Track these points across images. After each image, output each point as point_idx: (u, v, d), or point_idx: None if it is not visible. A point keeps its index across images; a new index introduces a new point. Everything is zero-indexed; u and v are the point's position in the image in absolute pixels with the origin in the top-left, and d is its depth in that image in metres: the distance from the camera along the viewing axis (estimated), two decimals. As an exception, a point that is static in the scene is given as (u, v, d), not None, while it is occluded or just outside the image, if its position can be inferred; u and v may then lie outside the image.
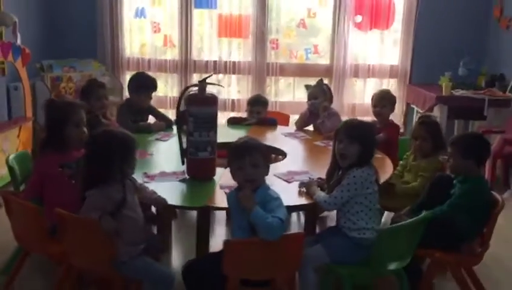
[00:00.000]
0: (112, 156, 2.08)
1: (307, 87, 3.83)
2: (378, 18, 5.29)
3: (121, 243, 2.07)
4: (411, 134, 3.11)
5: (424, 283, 2.48)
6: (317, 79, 3.89)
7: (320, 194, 2.33)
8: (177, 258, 3.14)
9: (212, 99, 2.57)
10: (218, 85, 2.83)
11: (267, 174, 2.18)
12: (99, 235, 2.01)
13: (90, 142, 2.20)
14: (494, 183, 4.20)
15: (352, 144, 2.28)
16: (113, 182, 2.09)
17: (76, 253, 2.17)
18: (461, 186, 2.51)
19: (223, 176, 2.59)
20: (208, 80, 2.60)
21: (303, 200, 2.40)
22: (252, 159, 2.09)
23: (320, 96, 3.68)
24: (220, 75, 5.41)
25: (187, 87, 2.66)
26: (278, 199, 2.08)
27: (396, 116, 5.38)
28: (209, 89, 2.62)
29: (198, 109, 2.52)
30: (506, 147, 4.25)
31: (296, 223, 3.63)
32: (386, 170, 2.87)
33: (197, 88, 2.58)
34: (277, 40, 5.36)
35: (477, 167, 2.55)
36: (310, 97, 3.75)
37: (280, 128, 3.85)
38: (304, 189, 2.45)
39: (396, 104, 3.73)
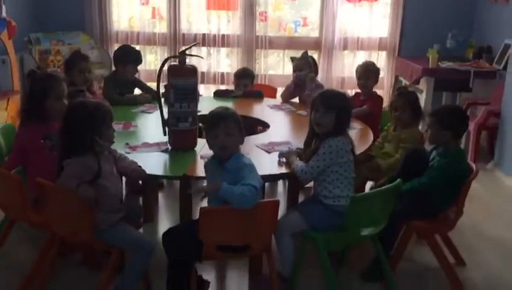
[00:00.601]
0: (82, 127, 2.11)
1: (292, 59, 3.86)
2: (368, -10, 5.27)
3: (99, 212, 2.12)
4: (390, 105, 3.15)
5: (398, 247, 2.55)
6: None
7: (298, 163, 2.38)
8: (162, 228, 3.19)
9: (192, 71, 2.60)
10: (197, 56, 2.84)
11: (241, 143, 2.21)
12: (78, 204, 2.05)
13: (65, 112, 2.22)
14: (478, 154, 4.26)
15: (327, 114, 2.32)
16: (89, 152, 2.13)
17: (58, 221, 2.23)
18: (440, 159, 2.55)
19: (204, 147, 2.63)
20: (191, 52, 2.62)
21: (282, 170, 2.45)
22: (226, 128, 2.13)
23: (305, 68, 3.70)
24: (211, 49, 5.39)
25: (167, 58, 2.68)
26: (250, 165, 2.12)
27: (385, 88, 5.43)
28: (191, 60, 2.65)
29: (178, 80, 2.55)
30: (490, 119, 4.29)
31: (282, 193, 3.69)
32: (367, 140, 2.92)
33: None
34: (266, 12, 5.33)
35: (454, 138, 2.59)
36: (295, 69, 3.77)
37: (266, 101, 3.89)
38: (283, 159, 2.50)
39: (383, 76, 3.78)
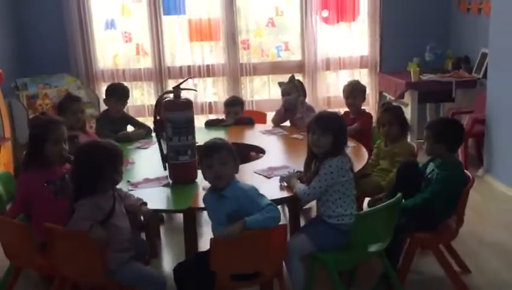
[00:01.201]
0: (102, 165, 2.15)
1: (280, 84, 3.93)
2: (344, 11, 5.41)
3: (109, 252, 2.13)
4: (377, 121, 3.25)
5: (405, 260, 2.59)
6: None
7: (300, 186, 2.43)
8: (167, 263, 3.20)
9: (188, 104, 2.65)
10: (192, 90, 2.90)
11: (236, 172, 2.26)
12: (89, 246, 2.06)
13: (77, 154, 2.24)
14: (467, 161, 4.36)
15: (324, 135, 2.39)
16: (102, 192, 2.15)
17: (68, 265, 2.23)
18: (440, 172, 2.60)
19: (204, 178, 2.67)
20: (182, 85, 2.68)
21: (284, 194, 2.49)
22: (220, 157, 2.19)
23: (294, 92, 3.78)
24: (196, 80, 5.47)
25: (162, 94, 2.72)
26: (252, 189, 2.19)
27: (370, 104, 5.54)
28: (184, 94, 2.70)
29: (175, 114, 2.60)
30: (476, 126, 4.40)
31: (282, 216, 3.71)
32: (361, 158, 2.98)
33: (172, 94, 2.66)
34: (248, 40, 5.44)
35: (448, 151, 2.65)
36: (284, 93, 3.85)
37: (258, 127, 3.94)
38: (284, 183, 2.54)
39: (368, 93, 3.89)
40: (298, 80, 3.97)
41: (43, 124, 2.55)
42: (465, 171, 2.64)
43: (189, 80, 5.33)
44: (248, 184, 2.25)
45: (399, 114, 3.22)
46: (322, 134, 2.39)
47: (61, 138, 2.55)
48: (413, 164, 2.83)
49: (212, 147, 2.22)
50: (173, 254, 3.31)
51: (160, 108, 2.83)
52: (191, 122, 2.65)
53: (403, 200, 2.46)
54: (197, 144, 2.75)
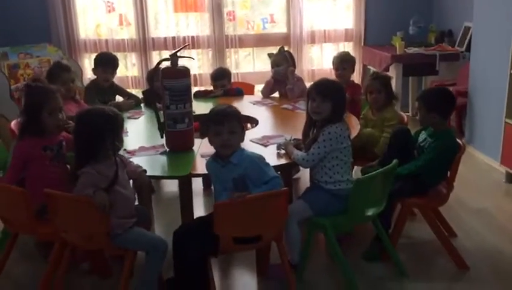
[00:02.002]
0: (103, 132, 2.15)
1: (270, 55, 3.94)
2: (330, -16, 5.41)
3: (115, 217, 2.15)
4: (365, 90, 3.30)
5: (397, 224, 2.68)
6: (275, 48, 4.02)
7: (298, 153, 2.47)
8: (159, 232, 3.22)
9: (185, 72, 2.65)
10: (189, 58, 2.89)
11: (242, 141, 2.30)
12: (93, 212, 2.07)
13: (78, 121, 2.23)
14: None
15: (324, 102, 2.42)
16: (104, 159, 2.15)
17: (71, 231, 2.24)
18: (433, 140, 2.67)
19: (202, 146, 2.69)
20: (178, 53, 2.67)
21: (282, 161, 2.53)
22: (230, 126, 2.21)
23: (283, 63, 3.80)
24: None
25: (160, 61, 2.71)
26: (259, 157, 2.24)
27: (354, 76, 5.58)
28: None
29: (172, 82, 2.59)
30: (458, 98, 4.49)
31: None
32: (353, 126, 3.03)
33: (168, 62, 2.65)
34: (233, 11, 5.40)
35: (442, 119, 2.72)
36: (273, 65, 3.86)
37: (247, 98, 3.96)
38: (282, 150, 2.58)
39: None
40: (288, 51, 3.99)
41: (40, 93, 2.51)
42: (457, 139, 2.72)
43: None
44: (255, 153, 2.28)
45: (387, 82, 3.29)
46: (322, 101, 2.42)
47: (57, 108, 2.53)
48: (406, 130, 2.89)
49: (223, 114, 2.22)
50: (165, 223, 3.33)
51: (155, 76, 2.82)
52: (188, 90, 2.66)
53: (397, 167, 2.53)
54: (194, 113, 2.77)
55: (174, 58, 2.62)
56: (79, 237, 2.24)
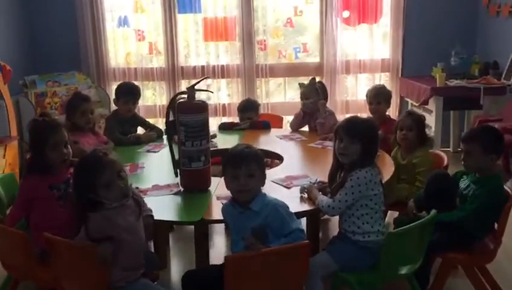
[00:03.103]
0: (79, 186, 2.02)
1: (301, 85, 3.73)
2: (365, 12, 5.18)
3: (119, 269, 1.95)
4: (396, 127, 3.04)
5: (437, 284, 2.37)
6: (308, 78, 3.80)
7: (323, 199, 2.22)
8: (176, 272, 3.02)
9: (203, 106, 2.46)
10: (208, 91, 2.71)
11: (263, 185, 2.08)
12: (93, 261, 1.88)
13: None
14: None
15: (353, 143, 2.18)
16: (111, 205, 1.97)
17: (69, 279, 2.05)
18: (478, 188, 2.39)
19: (219, 186, 2.47)
20: (197, 86, 2.49)
21: (305, 206, 2.29)
22: (248, 169, 2.00)
23: (312, 96, 3.56)
24: (209, 80, 5.28)
25: (176, 95, 2.54)
26: (283, 206, 2.01)
27: (390, 110, 5.30)
28: (199, 96, 2.52)
29: (188, 117, 2.41)
30: (505, 136, 4.14)
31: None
32: (387, 167, 2.76)
33: (186, 96, 2.47)
34: (265, 40, 5.24)
35: (496, 162, 2.44)
36: (302, 97, 3.64)
37: (274, 131, 3.74)
38: (305, 194, 2.34)
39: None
40: (320, 82, 3.76)
41: (41, 128, 2.38)
42: (505, 187, 2.41)
43: (202, 81, 5.21)
44: (278, 200, 2.05)
45: (420, 121, 3.02)
46: (350, 142, 2.18)
47: (60, 142, 2.37)
48: (445, 174, 2.61)
49: (241, 156, 2.02)
50: (183, 264, 3.14)
51: (173, 109, 2.64)
52: (205, 126, 2.46)
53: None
54: (215, 148, 2.57)
55: (191, 91, 2.44)
56: (77, 288, 2.04)
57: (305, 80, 3.80)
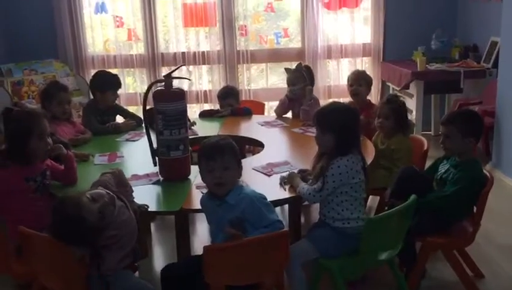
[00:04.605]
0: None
1: (287, 71, 3.68)
2: (346, -4, 5.16)
3: (115, 261, 1.92)
4: (376, 113, 3.04)
5: (418, 267, 2.39)
6: (290, 63, 3.75)
7: (304, 187, 2.21)
8: (158, 262, 3.01)
9: (180, 94, 2.42)
10: (185, 78, 2.67)
11: (239, 177, 2.05)
12: (69, 254, 1.85)
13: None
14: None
15: (324, 134, 2.17)
16: None
17: (46, 273, 2.01)
18: (457, 171, 2.39)
19: (198, 175, 2.44)
20: (175, 73, 2.45)
21: (286, 194, 2.27)
22: (224, 161, 1.96)
23: (299, 82, 3.52)
24: (190, 67, 5.22)
25: (152, 83, 2.49)
26: (260, 198, 1.99)
27: (372, 95, 5.31)
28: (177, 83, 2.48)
29: (166, 105, 2.36)
30: (485, 119, 4.17)
31: (280, 216, 3.50)
32: (368, 153, 2.75)
33: (163, 83, 2.43)
34: (245, 26, 5.18)
35: (475, 145, 2.45)
36: (289, 83, 3.59)
37: (255, 118, 3.71)
38: (285, 185, 2.31)
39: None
40: (306, 66, 3.71)
41: (26, 117, 2.33)
42: (485, 171, 2.42)
43: (182, 67, 5.14)
44: (255, 192, 2.02)
45: (397, 109, 2.98)
46: (322, 132, 2.18)
47: (45, 133, 2.35)
48: (412, 170, 2.59)
49: (215, 149, 1.98)
50: (165, 253, 3.13)
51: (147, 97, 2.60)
52: (183, 115, 2.42)
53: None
54: (196, 136, 2.53)
55: (168, 79, 2.39)
56: (54, 281, 2.00)
57: (288, 65, 3.75)
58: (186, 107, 2.45)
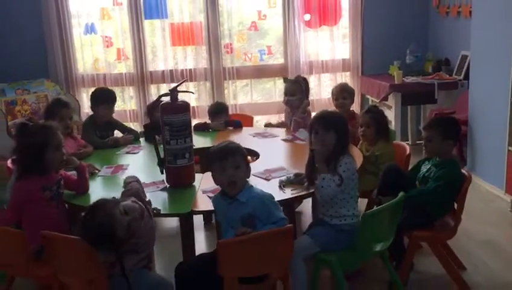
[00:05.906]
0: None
1: (285, 80, 3.88)
2: (326, 15, 5.44)
3: (132, 263, 2.05)
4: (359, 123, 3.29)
5: (407, 260, 2.61)
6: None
7: (330, 178, 2.32)
8: (160, 268, 3.14)
9: (185, 106, 2.61)
10: (189, 92, 2.87)
11: (248, 176, 2.25)
12: (93, 255, 2.00)
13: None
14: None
15: (328, 133, 2.38)
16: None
17: (70, 273, 2.15)
18: (439, 169, 2.64)
19: (202, 181, 2.64)
20: (178, 88, 2.64)
21: (284, 195, 2.47)
22: (234, 160, 2.16)
23: (297, 94, 3.70)
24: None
25: (160, 97, 2.68)
26: (268, 196, 2.18)
27: (354, 107, 5.57)
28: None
29: (172, 117, 2.55)
30: (458, 127, 4.47)
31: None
32: (356, 158, 2.97)
33: (167, 98, 2.62)
34: (231, 44, 5.42)
35: (453, 147, 2.71)
36: (287, 93, 3.75)
37: (246, 130, 3.91)
38: (283, 188, 2.51)
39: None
40: (304, 79, 3.91)
41: (42, 130, 2.48)
42: (463, 169, 2.68)
43: (172, 84, 5.32)
44: (264, 191, 2.23)
45: (377, 117, 3.24)
46: (326, 131, 2.38)
47: (61, 143, 2.52)
48: (395, 168, 2.85)
49: (226, 150, 2.19)
50: (165, 260, 3.25)
51: (154, 111, 2.78)
52: (188, 125, 2.62)
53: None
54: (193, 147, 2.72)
55: (173, 93, 2.59)
56: (79, 281, 2.15)
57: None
58: (190, 118, 2.65)
